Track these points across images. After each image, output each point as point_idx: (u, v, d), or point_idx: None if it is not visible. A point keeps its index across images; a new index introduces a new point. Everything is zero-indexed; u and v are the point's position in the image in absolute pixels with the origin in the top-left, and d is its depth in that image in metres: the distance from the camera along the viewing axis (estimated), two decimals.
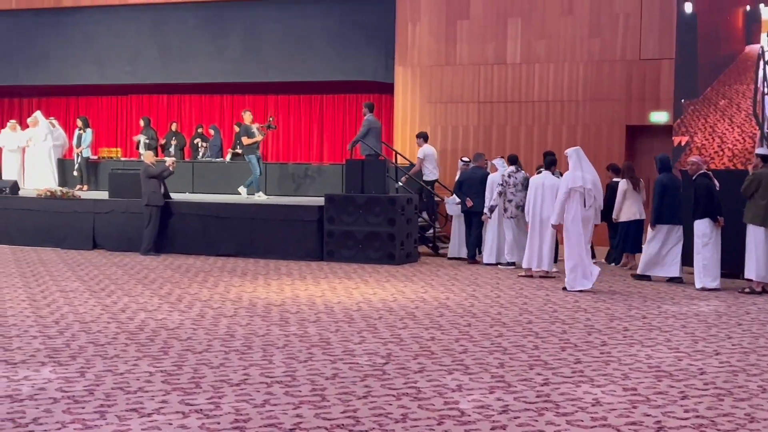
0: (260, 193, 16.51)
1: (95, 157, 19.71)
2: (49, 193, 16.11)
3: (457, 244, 14.82)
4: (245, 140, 16.55)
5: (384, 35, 19.01)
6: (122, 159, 19.85)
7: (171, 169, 15.04)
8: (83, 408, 5.62)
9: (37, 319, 8.71)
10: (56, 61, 21.33)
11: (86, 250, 15.36)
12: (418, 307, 9.83)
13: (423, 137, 16.18)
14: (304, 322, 8.78)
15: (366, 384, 6.36)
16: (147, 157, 15.27)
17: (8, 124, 20.28)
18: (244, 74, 20.25)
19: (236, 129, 18.87)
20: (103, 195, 16.50)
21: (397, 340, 7.96)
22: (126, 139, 22.03)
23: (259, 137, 16.65)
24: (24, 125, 20.41)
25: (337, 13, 19.45)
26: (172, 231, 15.08)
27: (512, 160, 13.81)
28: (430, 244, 15.58)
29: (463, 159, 15.19)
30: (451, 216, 15.27)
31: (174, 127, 20.38)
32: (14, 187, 16.70)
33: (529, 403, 5.94)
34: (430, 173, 15.94)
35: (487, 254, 13.99)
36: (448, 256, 14.88)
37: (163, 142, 19.74)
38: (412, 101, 18.69)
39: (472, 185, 14.17)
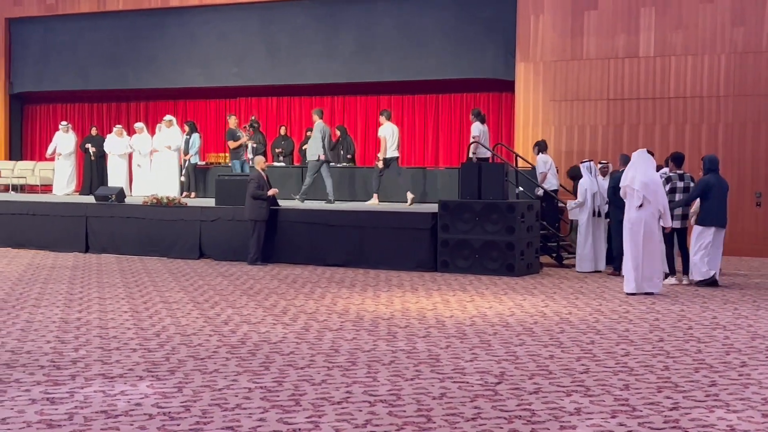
0: None
1: (203, 163, 20.26)
2: (155, 201, 16.65)
3: (586, 255, 14.50)
4: (231, 144, 18.10)
5: (504, 29, 18.91)
6: (230, 164, 20.31)
7: (270, 195, 15.19)
8: (178, 425, 5.77)
9: (138, 332, 9.01)
10: (162, 63, 22.11)
11: (192, 259, 15.81)
12: (537, 323, 9.71)
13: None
14: (413, 337, 8.79)
15: (476, 405, 6.32)
16: (258, 162, 15.57)
17: (114, 129, 21.08)
18: (356, 74, 20.51)
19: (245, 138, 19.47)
20: (211, 202, 16.95)
21: (512, 358, 7.88)
22: None
23: (245, 139, 18.30)
24: (131, 130, 21.17)
25: (454, 7, 19.47)
26: (280, 240, 15.36)
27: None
28: (554, 254, 15.36)
29: (583, 162, 14.90)
30: (574, 222, 15.03)
31: (283, 131, 20.75)
32: (120, 194, 17.33)
33: (655, 429, 5.78)
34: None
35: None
36: (577, 269, 14.61)
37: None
38: (535, 99, 18.51)
39: None
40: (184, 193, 19.28)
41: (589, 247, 14.44)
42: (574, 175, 15.83)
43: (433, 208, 14.73)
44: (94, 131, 21.63)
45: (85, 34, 22.96)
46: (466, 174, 14.49)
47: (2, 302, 10.81)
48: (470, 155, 15.77)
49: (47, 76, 23.53)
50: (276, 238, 15.35)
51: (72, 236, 17.01)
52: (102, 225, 16.86)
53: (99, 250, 16.76)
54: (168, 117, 20.32)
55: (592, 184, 14.48)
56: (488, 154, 16.03)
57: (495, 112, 20.18)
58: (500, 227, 13.85)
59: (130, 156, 20.67)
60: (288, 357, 7.86)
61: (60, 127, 21.54)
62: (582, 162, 14.99)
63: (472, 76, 19.49)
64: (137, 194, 19.68)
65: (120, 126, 21.20)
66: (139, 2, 22.17)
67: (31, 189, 22.46)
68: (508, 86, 19.19)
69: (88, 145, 21.03)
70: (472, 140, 15.89)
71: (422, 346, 8.40)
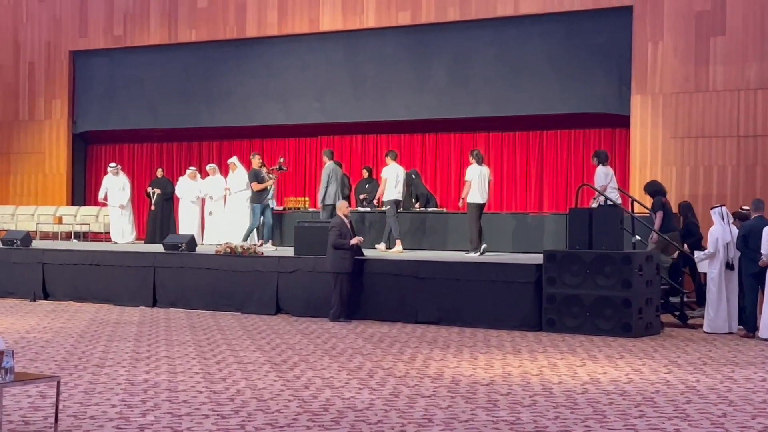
0: (265, 242, 18.75)
1: (280, 208, 20.51)
2: (228, 250, 16.89)
3: (717, 313, 14.17)
4: (255, 186, 18.58)
5: (618, 58, 18.83)
6: (311, 210, 20.54)
7: (353, 244, 15.25)
8: None
9: (211, 395, 9.12)
10: (238, 99, 22.54)
11: (269, 315, 15.98)
12: (659, 391, 9.55)
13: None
14: (516, 406, 8.73)
15: None
16: (340, 208, 15.70)
17: (187, 171, 21.44)
18: (450, 109, 20.61)
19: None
20: (289, 251, 17.14)
21: None
22: (315, 186, 22.79)
23: (269, 182, 18.84)
24: (204, 173, 21.55)
25: (561, 34, 19.46)
26: (366, 294, 15.45)
27: None
28: (677, 313, 15.11)
29: (714, 207, 14.65)
30: (702, 275, 14.76)
31: (366, 173, 20.79)
32: (191, 242, 17.65)
33: None
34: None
35: (764, 326, 13.36)
36: (705, 329, 14.28)
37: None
38: (653, 136, 18.34)
39: (759, 239, 13.55)
40: (260, 241, 19.50)
41: (720, 304, 14.13)
42: (654, 191, 15.67)
43: (538, 259, 14.65)
44: (159, 173, 22.03)
45: (154, 68, 23.57)
46: (575, 221, 14.41)
47: (63, 362, 11.08)
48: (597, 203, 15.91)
49: (114, 114, 24.15)
50: (361, 292, 15.43)
51: (138, 289, 17.34)
52: (171, 276, 17.18)
53: (167, 304, 17.06)
54: (230, 159, 20.54)
55: (724, 233, 14.19)
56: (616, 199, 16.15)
57: (607, 150, 19.99)
58: (615, 281, 13.70)
59: (203, 201, 20.98)
60: (375, 426, 7.87)
61: (108, 169, 21.76)
62: (713, 207, 14.74)
63: (581, 110, 19.40)
64: (209, 242, 20.00)
65: (194, 168, 21.54)
66: (213, 33, 22.68)
67: (94, 237, 22.94)
68: (623, 121, 19.04)
69: (150, 189, 21.40)
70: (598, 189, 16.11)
71: (527, 416, 8.32)
